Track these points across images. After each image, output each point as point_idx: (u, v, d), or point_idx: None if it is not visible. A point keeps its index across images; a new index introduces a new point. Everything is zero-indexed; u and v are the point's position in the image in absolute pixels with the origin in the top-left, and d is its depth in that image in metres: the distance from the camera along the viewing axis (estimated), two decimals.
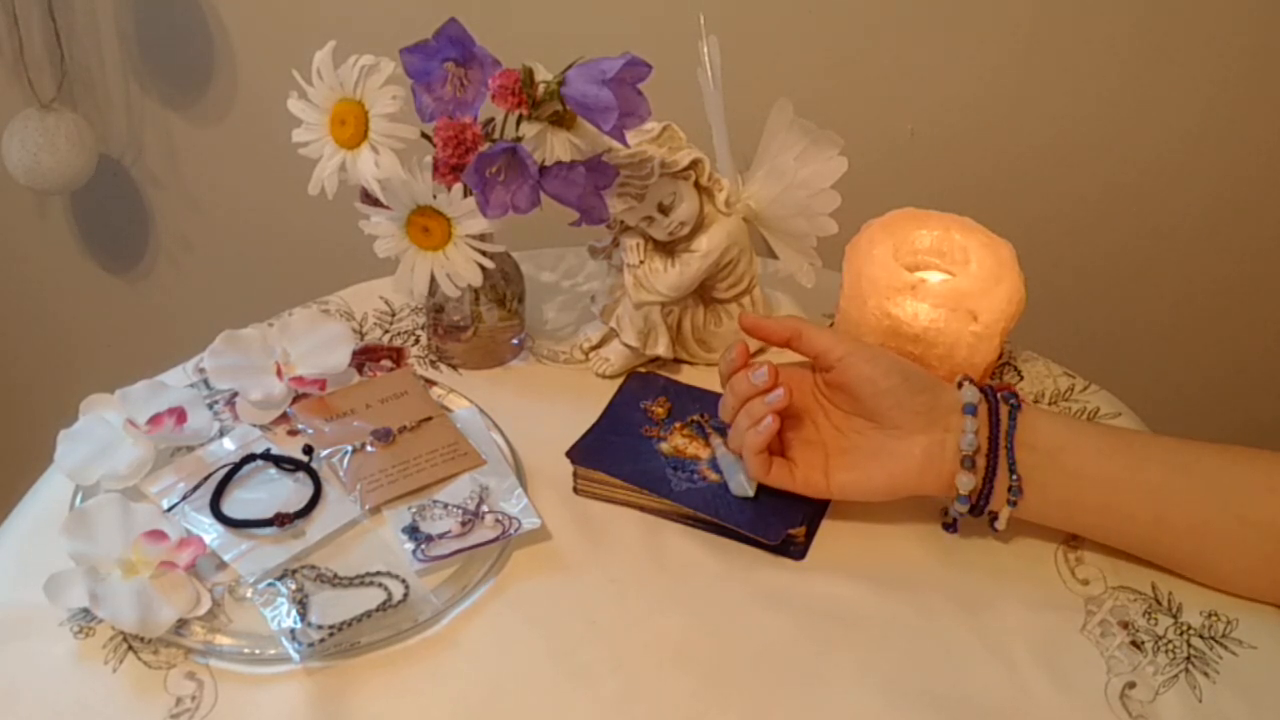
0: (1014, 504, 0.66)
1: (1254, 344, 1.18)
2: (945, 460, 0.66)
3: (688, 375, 0.82)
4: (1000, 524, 0.68)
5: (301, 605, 0.64)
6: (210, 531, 0.68)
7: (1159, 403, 0.87)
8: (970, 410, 0.66)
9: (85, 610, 0.64)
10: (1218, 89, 1.02)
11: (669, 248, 0.79)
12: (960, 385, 0.68)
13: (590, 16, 1.03)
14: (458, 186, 0.71)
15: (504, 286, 0.81)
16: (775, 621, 0.65)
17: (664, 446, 0.74)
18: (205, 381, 0.79)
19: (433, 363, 0.83)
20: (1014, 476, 0.66)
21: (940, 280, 0.79)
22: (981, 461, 0.66)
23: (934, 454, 0.66)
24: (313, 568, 0.67)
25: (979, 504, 0.67)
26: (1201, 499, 0.65)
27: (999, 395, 0.67)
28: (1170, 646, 0.65)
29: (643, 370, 0.82)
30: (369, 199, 0.75)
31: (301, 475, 0.72)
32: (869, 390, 0.67)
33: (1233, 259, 1.12)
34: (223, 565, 0.67)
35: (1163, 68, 1.01)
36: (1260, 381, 1.21)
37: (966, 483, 0.66)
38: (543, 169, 0.71)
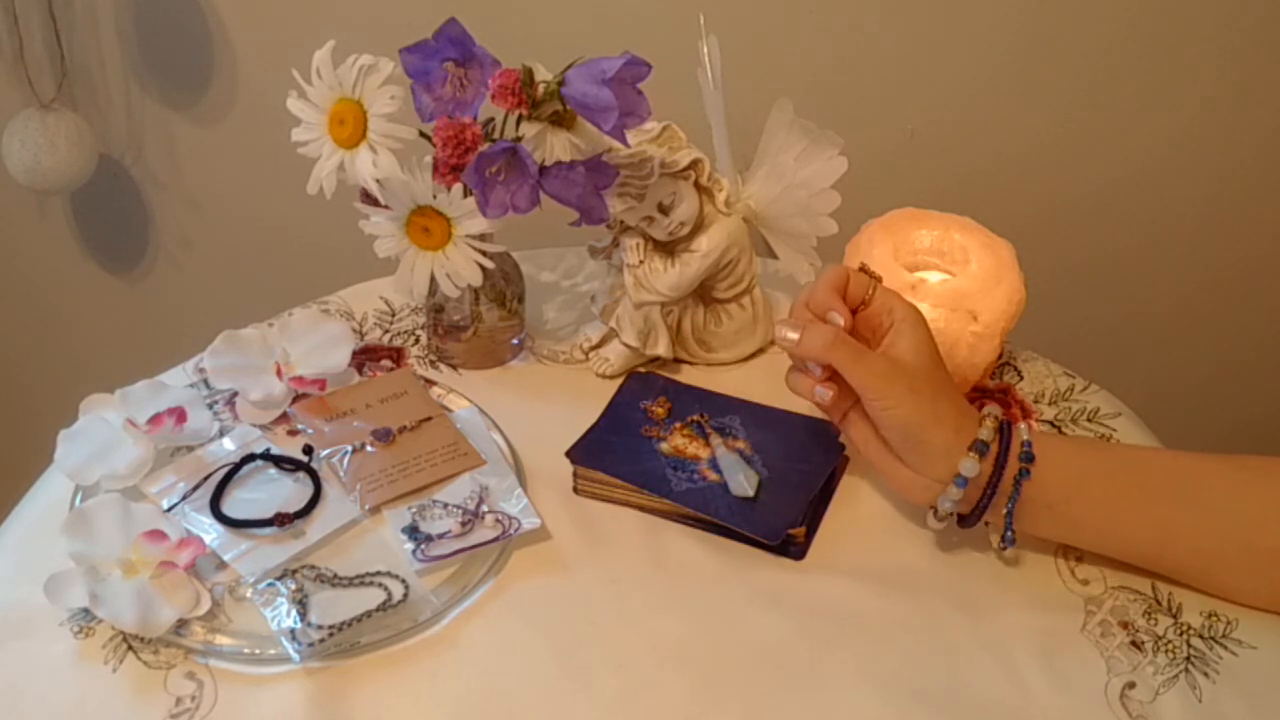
0: (1005, 547, 0.67)
1: (1254, 343, 1.18)
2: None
3: (688, 375, 0.82)
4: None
5: (301, 605, 0.64)
6: (210, 531, 0.68)
7: (1159, 403, 0.87)
8: (961, 484, 0.64)
9: (85, 610, 0.64)
10: (1216, 88, 1.02)
11: (669, 248, 0.79)
12: (971, 448, 0.64)
13: (590, 16, 1.03)
14: (457, 186, 0.71)
15: (504, 286, 0.81)
16: (774, 622, 0.65)
17: (664, 446, 0.74)
18: (205, 381, 0.79)
19: (433, 363, 0.83)
20: (1009, 533, 0.66)
21: (940, 280, 0.79)
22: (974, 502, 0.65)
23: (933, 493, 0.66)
24: (313, 568, 0.67)
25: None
26: (1210, 530, 0.64)
27: (1008, 456, 0.64)
28: (1170, 646, 0.65)
29: (643, 370, 0.82)
30: (369, 199, 0.75)
31: (301, 475, 0.72)
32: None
33: (1232, 258, 1.12)
34: (223, 565, 0.67)
35: (1161, 66, 1.01)
36: (1260, 381, 1.21)
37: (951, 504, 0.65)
38: (543, 169, 0.71)
